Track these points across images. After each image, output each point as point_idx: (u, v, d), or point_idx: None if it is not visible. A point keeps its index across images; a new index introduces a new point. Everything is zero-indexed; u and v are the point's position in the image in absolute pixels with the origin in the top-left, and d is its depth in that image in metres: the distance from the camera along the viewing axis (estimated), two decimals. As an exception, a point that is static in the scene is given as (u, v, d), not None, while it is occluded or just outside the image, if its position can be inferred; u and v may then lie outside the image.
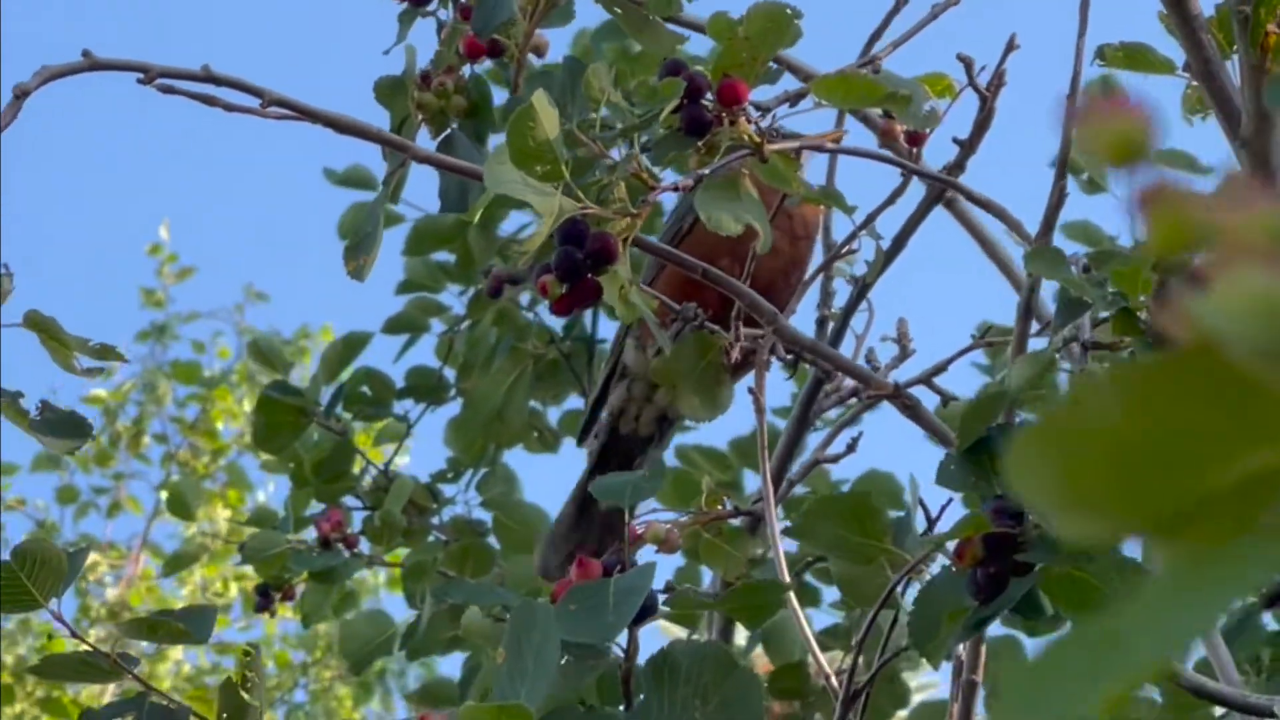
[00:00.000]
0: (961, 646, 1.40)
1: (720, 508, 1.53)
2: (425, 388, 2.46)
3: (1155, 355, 0.40)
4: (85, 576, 5.56)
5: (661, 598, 1.41)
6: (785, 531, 1.26)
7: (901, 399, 1.38)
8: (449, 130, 1.45)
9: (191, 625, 1.40)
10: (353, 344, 2.44)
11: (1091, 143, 0.43)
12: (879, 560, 1.24)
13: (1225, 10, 1.39)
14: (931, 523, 1.28)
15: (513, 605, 1.89)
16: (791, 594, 1.33)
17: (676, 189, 1.31)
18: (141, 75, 1.36)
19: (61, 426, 1.28)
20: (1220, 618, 0.46)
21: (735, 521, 1.54)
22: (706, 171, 1.31)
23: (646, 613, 1.16)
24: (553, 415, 2.52)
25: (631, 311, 1.30)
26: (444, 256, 2.47)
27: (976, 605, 1.11)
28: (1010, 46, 1.44)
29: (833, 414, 1.82)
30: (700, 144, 1.33)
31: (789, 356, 1.46)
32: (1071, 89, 1.42)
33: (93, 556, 5.55)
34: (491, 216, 2.40)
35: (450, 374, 2.47)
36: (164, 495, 5.41)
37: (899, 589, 1.25)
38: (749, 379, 1.48)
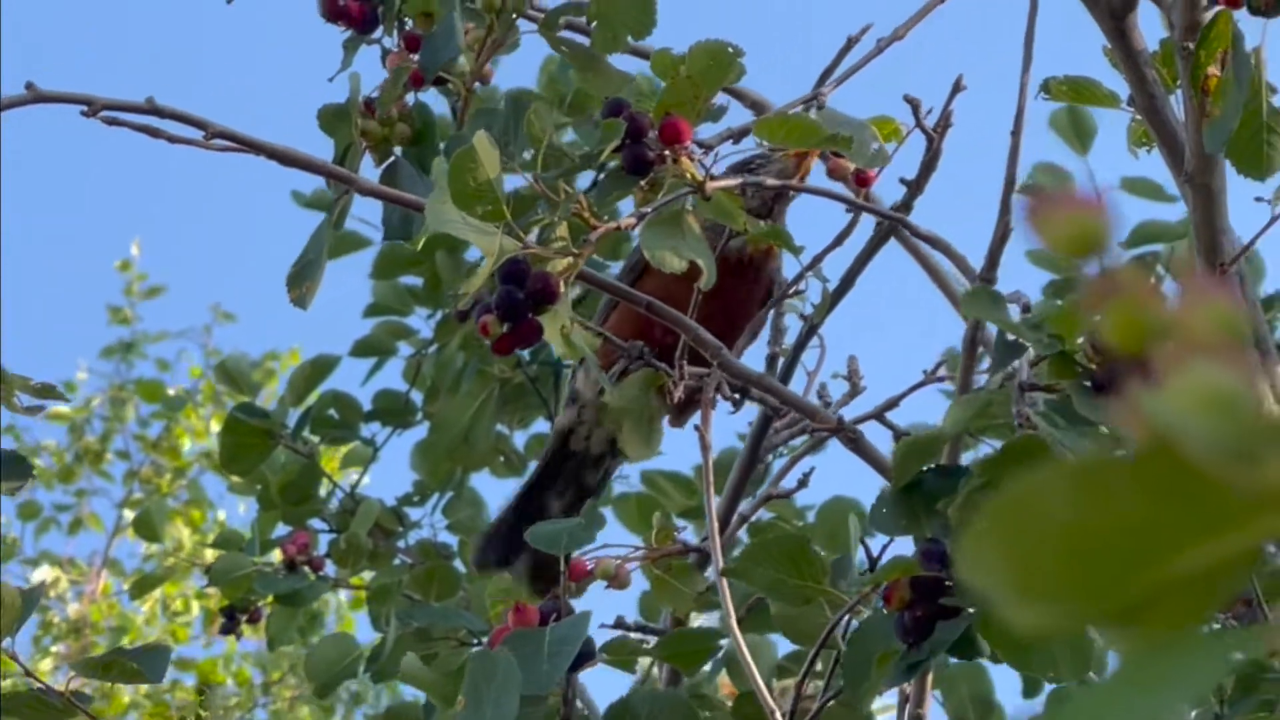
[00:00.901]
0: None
1: (670, 543, 1.53)
2: (392, 411, 2.46)
3: (1107, 451, 0.40)
4: (46, 593, 5.54)
5: (609, 634, 1.41)
6: (723, 572, 1.25)
7: (845, 433, 1.38)
8: (393, 158, 1.45)
9: (145, 665, 1.41)
10: (320, 367, 2.44)
11: (1049, 237, 0.43)
12: (818, 600, 1.24)
13: (1169, 46, 1.39)
14: (873, 562, 1.28)
15: (476, 630, 1.88)
16: (736, 630, 1.33)
17: (618, 228, 1.31)
18: (86, 108, 1.36)
19: (2, 467, 1.28)
20: (1181, 710, 0.46)
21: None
22: (649, 210, 1.32)
23: (583, 660, 1.17)
24: (519, 439, 2.52)
25: (573, 350, 1.30)
26: (412, 280, 2.47)
27: (906, 648, 1.11)
28: (956, 88, 1.45)
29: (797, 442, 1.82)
30: (643, 182, 1.33)
31: (734, 394, 1.46)
32: (1016, 123, 1.43)
33: (54, 573, 5.54)
34: (459, 241, 2.40)
35: (418, 397, 2.47)
36: (127, 513, 5.40)
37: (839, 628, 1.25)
38: (698, 415, 1.48)
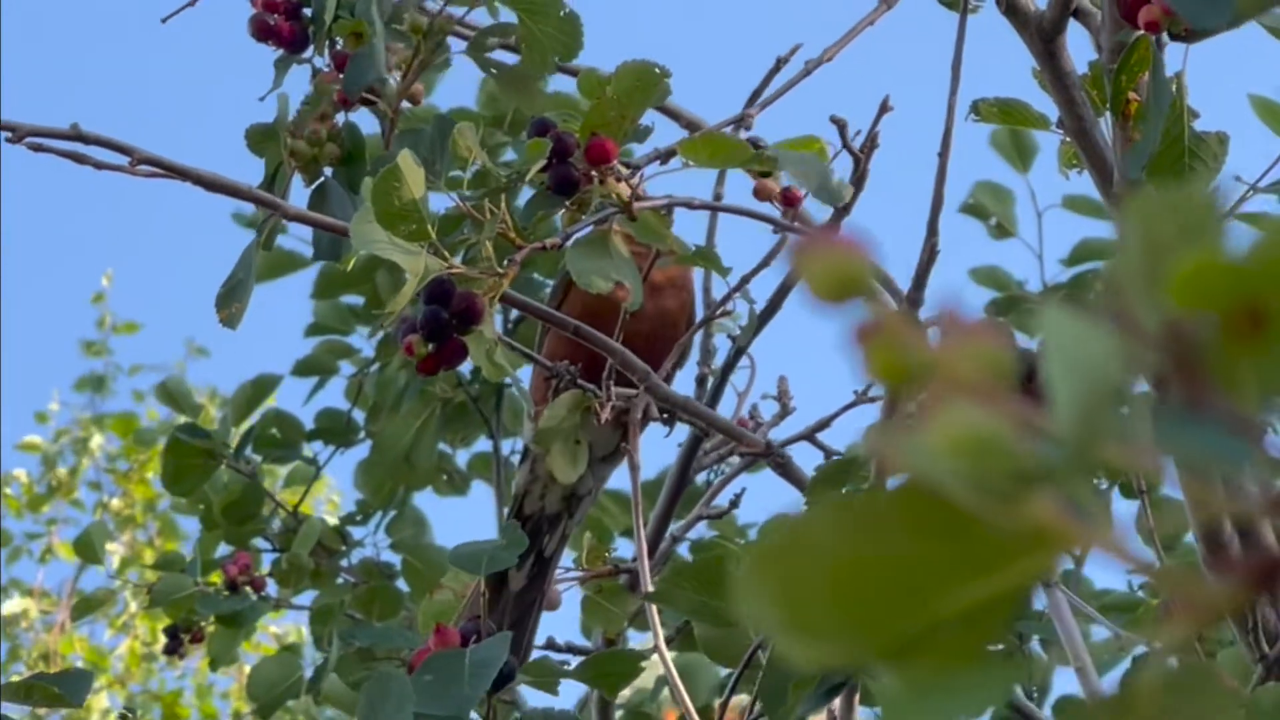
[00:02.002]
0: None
1: (602, 564, 1.53)
2: (334, 430, 2.46)
3: (874, 488, 0.40)
4: (17, 622, 5.50)
5: (540, 655, 1.41)
6: (646, 597, 1.25)
7: (773, 456, 1.38)
8: (322, 179, 1.45)
9: (66, 689, 1.40)
10: (261, 386, 2.43)
11: (809, 280, 0.43)
12: (741, 623, 1.24)
13: (1098, 68, 1.39)
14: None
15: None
16: (664, 651, 1.33)
17: (544, 248, 1.31)
18: (9, 135, 1.35)
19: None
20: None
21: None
22: (575, 230, 1.32)
23: (503, 681, 1.16)
24: (462, 458, 2.51)
25: (498, 371, 1.30)
26: (353, 299, 2.47)
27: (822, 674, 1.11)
28: (883, 109, 1.45)
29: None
30: (570, 203, 1.33)
31: (664, 415, 1.46)
32: (943, 145, 1.43)
33: (24, 603, 5.49)
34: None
35: (360, 416, 2.46)
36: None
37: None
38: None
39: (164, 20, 1.52)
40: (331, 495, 4.87)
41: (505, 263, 1.29)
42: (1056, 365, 0.38)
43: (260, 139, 1.42)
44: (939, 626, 0.41)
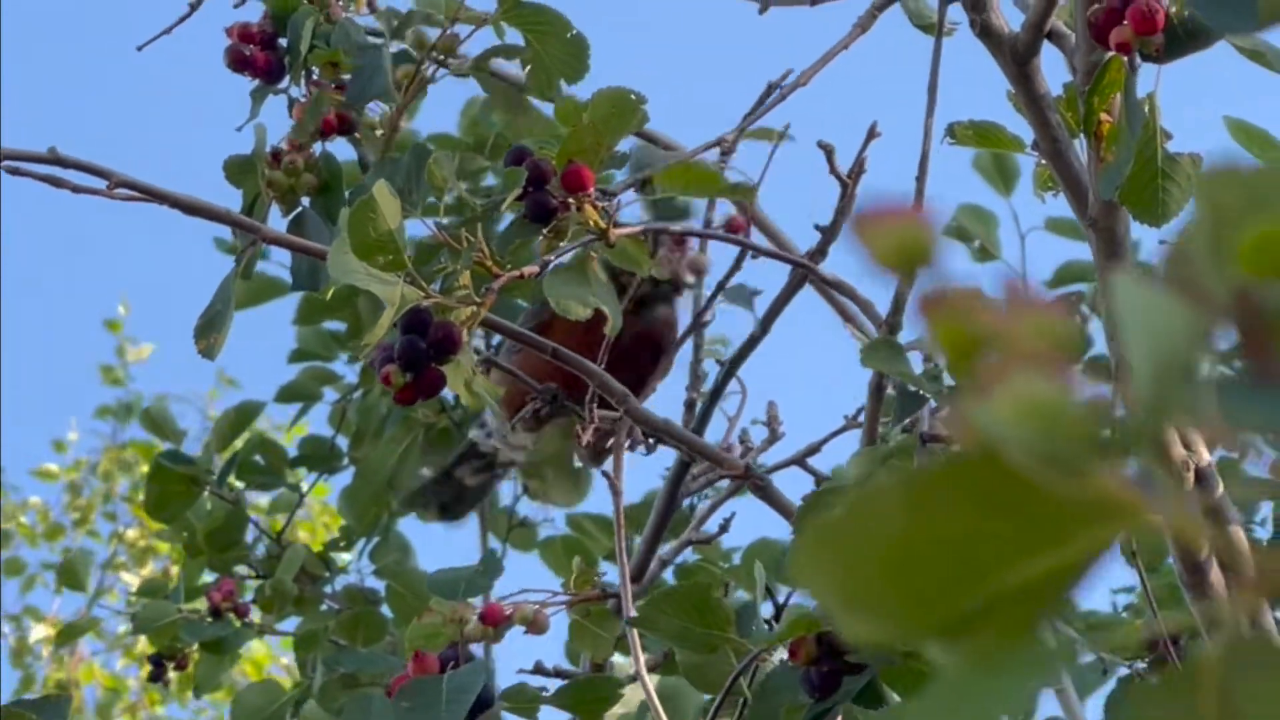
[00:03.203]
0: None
1: (590, 588, 1.52)
2: (318, 456, 2.45)
3: (936, 460, 0.40)
4: (30, 651, 5.47)
5: (521, 679, 1.41)
6: (629, 622, 1.25)
7: (753, 480, 1.38)
8: (300, 208, 1.45)
9: (43, 714, 1.40)
10: (245, 413, 2.43)
11: (875, 251, 0.42)
12: (723, 648, 1.24)
13: (1073, 90, 1.40)
14: (778, 610, 1.28)
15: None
16: (645, 677, 1.32)
17: (522, 276, 1.31)
18: (-13, 160, 1.35)
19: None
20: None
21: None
22: (552, 258, 1.32)
23: (481, 708, 1.16)
24: (446, 483, 2.50)
25: (476, 400, 1.30)
26: (335, 325, 2.46)
27: (813, 701, 1.11)
28: (871, 134, 1.45)
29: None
30: (547, 230, 1.33)
31: (650, 440, 1.46)
32: (920, 169, 1.43)
33: (44, 630, 5.45)
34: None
35: (343, 442, 2.46)
36: (109, 575, 5.32)
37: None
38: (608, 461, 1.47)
39: (139, 48, 1.51)
40: (325, 519, 4.86)
41: (483, 291, 1.29)
42: (1131, 334, 0.38)
43: (238, 170, 1.43)
44: (997, 602, 0.40)
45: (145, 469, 5.45)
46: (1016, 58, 1.40)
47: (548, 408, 1.46)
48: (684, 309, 1.68)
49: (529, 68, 1.41)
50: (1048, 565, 0.40)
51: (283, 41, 1.45)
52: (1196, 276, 0.40)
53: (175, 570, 5.32)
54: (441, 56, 1.46)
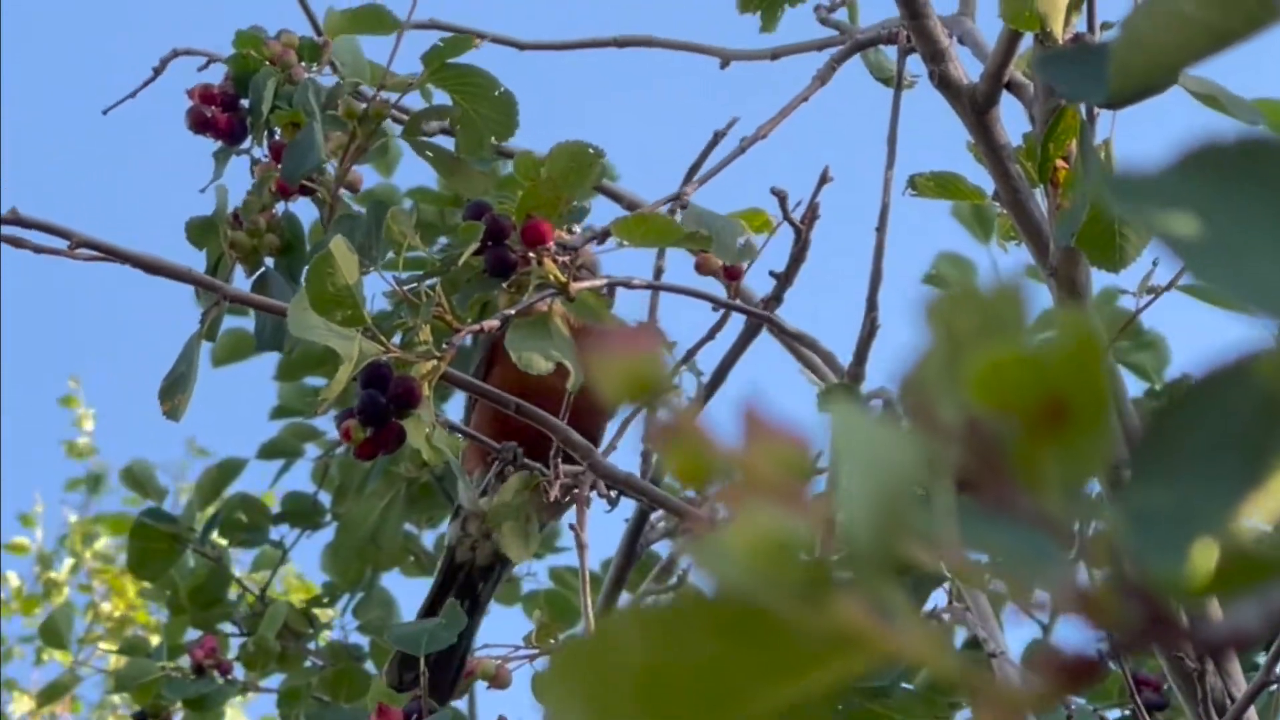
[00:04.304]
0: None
1: (551, 642, 1.52)
2: (301, 513, 2.45)
3: (681, 589, 0.40)
4: (12, 723, 5.45)
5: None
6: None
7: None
8: (263, 269, 1.45)
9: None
10: (227, 470, 2.43)
11: (605, 380, 0.43)
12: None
13: (1031, 140, 1.40)
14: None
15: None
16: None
17: (482, 330, 1.31)
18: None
19: None
20: None
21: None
22: (512, 312, 1.32)
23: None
24: (428, 538, 2.51)
25: (437, 455, 1.30)
26: (316, 381, 2.47)
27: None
28: (823, 179, 1.45)
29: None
30: (507, 284, 1.34)
31: (612, 493, 1.45)
32: (880, 220, 1.43)
33: (25, 703, 5.43)
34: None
35: (326, 498, 2.46)
36: (85, 648, 5.30)
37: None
38: (572, 514, 1.47)
39: (105, 112, 1.52)
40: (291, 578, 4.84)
41: (443, 345, 1.29)
42: (846, 466, 0.38)
43: (200, 231, 1.43)
44: None
45: (105, 541, 5.44)
46: (976, 108, 1.40)
47: (510, 466, 1.46)
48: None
49: (458, 128, 1.42)
50: (797, 695, 0.39)
51: (245, 102, 1.46)
52: (929, 404, 0.40)
53: (155, 639, 5.30)
54: (375, 124, 1.46)
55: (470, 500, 1.64)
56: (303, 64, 1.47)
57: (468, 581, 1.69)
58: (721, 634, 0.39)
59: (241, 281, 1.46)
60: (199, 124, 1.46)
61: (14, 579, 5.69)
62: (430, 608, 1.71)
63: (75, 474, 5.71)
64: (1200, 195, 0.41)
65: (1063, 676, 0.39)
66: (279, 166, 1.41)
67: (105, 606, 5.49)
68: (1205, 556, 0.39)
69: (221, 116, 1.45)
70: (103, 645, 4.97)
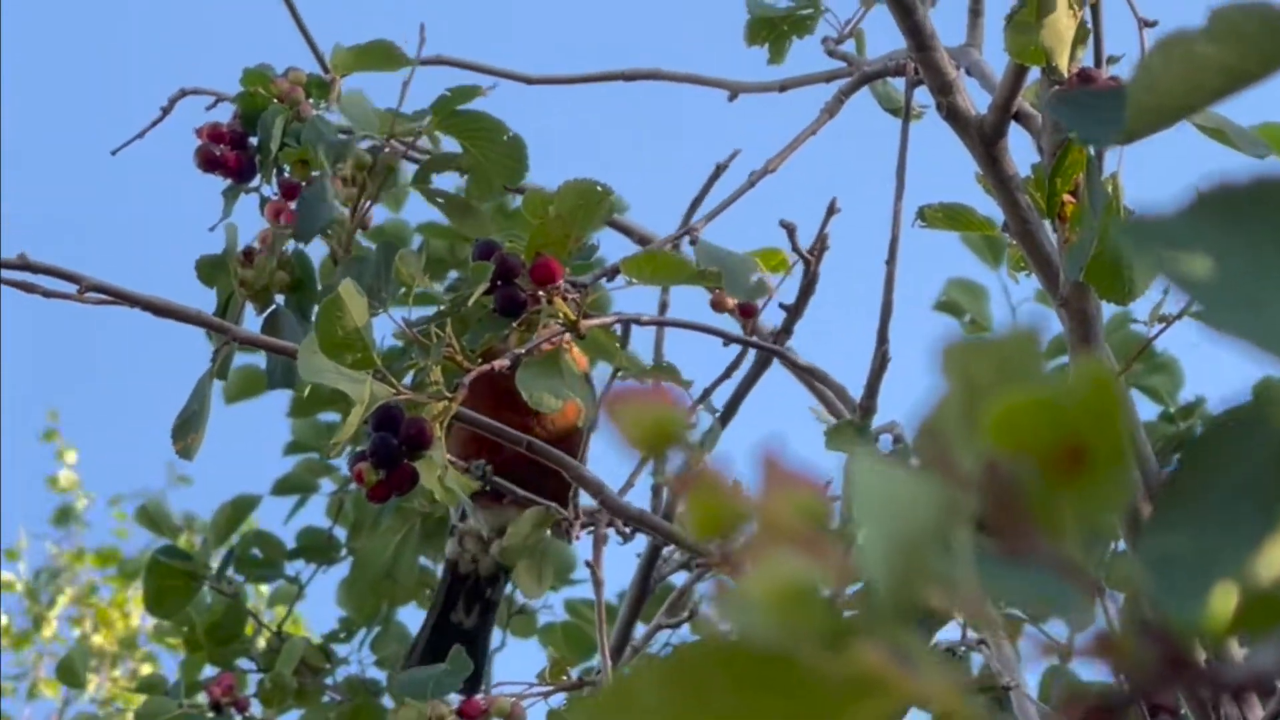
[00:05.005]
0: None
1: (565, 678, 1.52)
2: (316, 548, 2.45)
3: (701, 638, 0.40)
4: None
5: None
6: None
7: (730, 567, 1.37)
8: (274, 306, 1.46)
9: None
10: (242, 506, 2.43)
11: (626, 434, 0.43)
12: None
13: (1040, 171, 1.40)
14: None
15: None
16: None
17: (493, 370, 1.31)
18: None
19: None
20: None
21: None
22: (523, 351, 1.32)
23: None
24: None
25: (450, 495, 1.29)
26: (330, 417, 2.47)
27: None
28: (831, 210, 1.45)
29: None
30: (517, 323, 1.34)
31: (627, 529, 1.45)
32: (890, 253, 1.43)
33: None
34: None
35: (341, 533, 2.46)
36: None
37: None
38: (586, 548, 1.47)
39: (114, 152, 1.53)
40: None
41: (454, 386, 1.29)
42: (864, 514, 0.38)
43: (210, 270, 1.43)
44: None
45: (87, 571, 5.40)
46: (984, 139, 1.40)
47: (484, 484, 1.46)
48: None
49: (469, 173, 1.42)
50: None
51: (253, 140, 1.46)
52: (946, 450, 0.40)
53: (145, 669, 5.30)
54: (386, 174, 1.47)
55: (462, 521, 1.65)
56: (310, 101, 1.48)
57: (475, 588, 1.71)
58: (743, 684, 0.39)
59: (252, 319, 1.46)
60: (208, 162, 1.46)
61: (2, 617, 5.68)
62: (439, 619, 1.74)
63: (58, 507, 5.72)
64: (1213, 239, 0.41)
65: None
66: (291, 206, 1.41)
67: (96, 639, 5.49)
68: (1225, 601, 0.39)
69: (230, 154, 1.46)
70: (94, 679, 4.97)
